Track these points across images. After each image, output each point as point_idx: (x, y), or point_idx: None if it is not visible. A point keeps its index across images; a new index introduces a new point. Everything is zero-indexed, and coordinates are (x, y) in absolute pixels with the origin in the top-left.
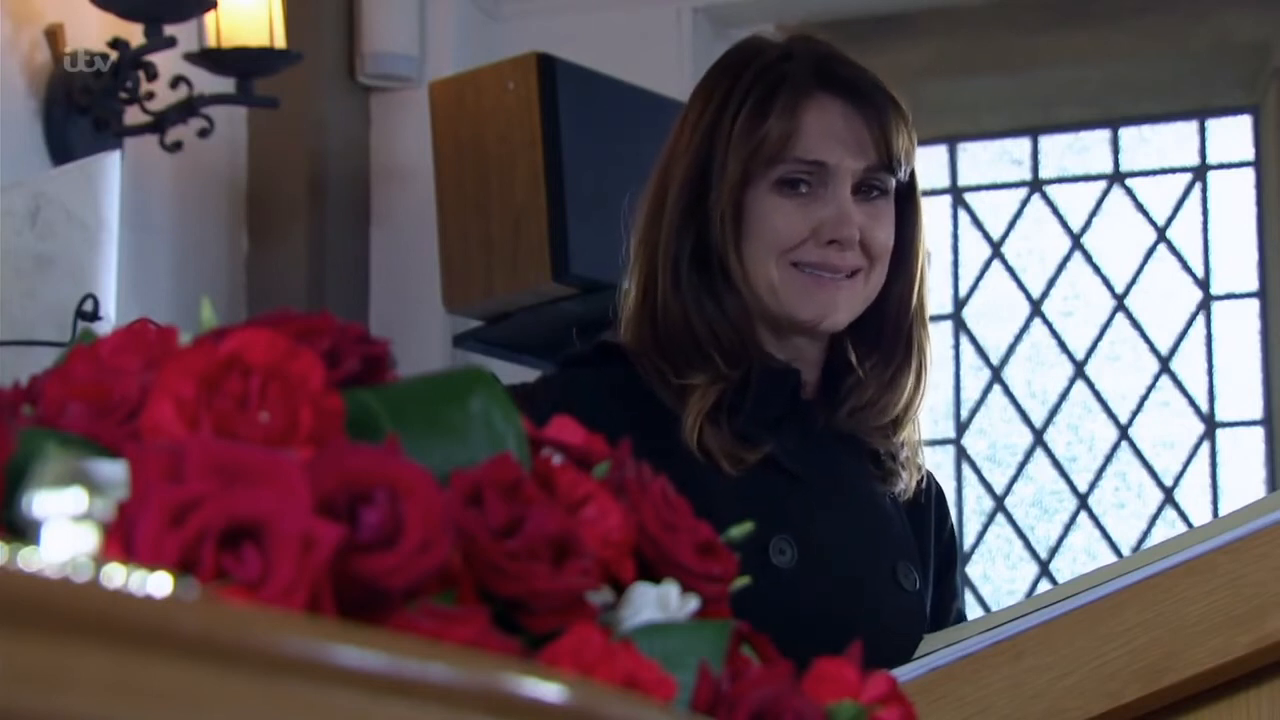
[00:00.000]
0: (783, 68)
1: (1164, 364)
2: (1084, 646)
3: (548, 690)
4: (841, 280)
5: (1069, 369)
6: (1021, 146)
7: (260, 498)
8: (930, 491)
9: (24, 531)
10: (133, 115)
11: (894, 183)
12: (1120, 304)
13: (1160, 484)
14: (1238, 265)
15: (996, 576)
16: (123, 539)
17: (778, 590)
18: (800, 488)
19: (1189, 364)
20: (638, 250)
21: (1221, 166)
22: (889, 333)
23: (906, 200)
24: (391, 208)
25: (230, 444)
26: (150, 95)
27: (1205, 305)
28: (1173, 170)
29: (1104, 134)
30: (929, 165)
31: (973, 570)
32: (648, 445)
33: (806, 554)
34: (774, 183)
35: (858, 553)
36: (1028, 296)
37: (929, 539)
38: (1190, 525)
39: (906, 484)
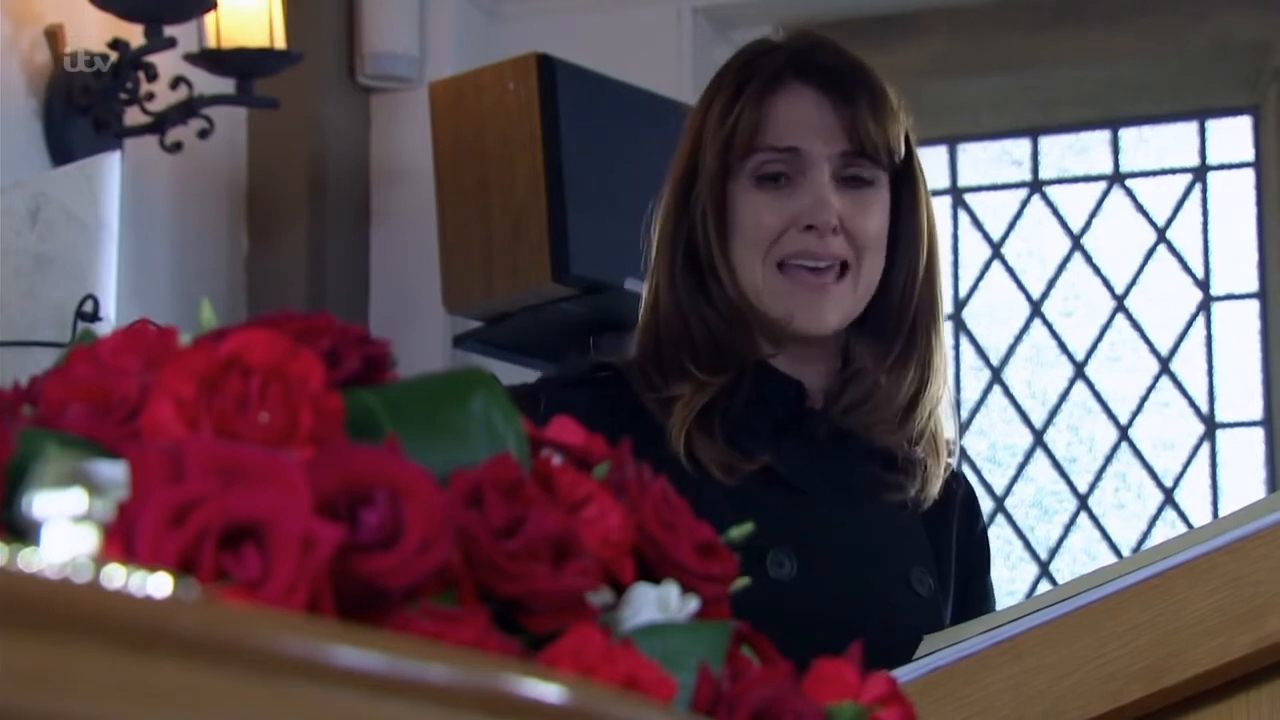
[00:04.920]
0: (762, 60)
1: (1164, 365)
2: (1084, 646)
3: (548, 691)
4: (829, 281)
5: (1069, 369)
6: (1021, 147)
7: (260, 498)
8: (958, 493)
9: (24, 531)
10: (133, 116)
11: (882, 172)
12: (1120, 304)
13: (1160, 484)
14: (1238, 266)
15: (996, 577)
16: (123, 539)
17: (776, 603)
18: (801, 499)
19: (1189, 365)
20: (655, 255)
21: (1221, 167)
22: (890, 324)
23: (904, 188)
24: (391, 208)
25: (230, 444)
26: (150, 96)
27: (1205, 306)
28: (1173, 171)
29: (1104, 134)
30: (929, 165)
31: None
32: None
33: (808, 566)
34: (753, 177)
35: (867, 562)
36: (1028, 297)
37: (950, 542)
38: (1190, 526)
39: (923, 489)
